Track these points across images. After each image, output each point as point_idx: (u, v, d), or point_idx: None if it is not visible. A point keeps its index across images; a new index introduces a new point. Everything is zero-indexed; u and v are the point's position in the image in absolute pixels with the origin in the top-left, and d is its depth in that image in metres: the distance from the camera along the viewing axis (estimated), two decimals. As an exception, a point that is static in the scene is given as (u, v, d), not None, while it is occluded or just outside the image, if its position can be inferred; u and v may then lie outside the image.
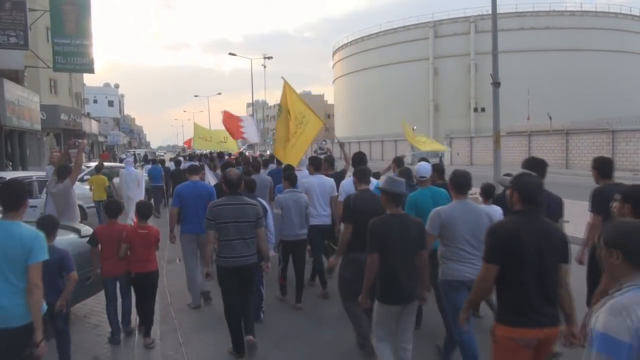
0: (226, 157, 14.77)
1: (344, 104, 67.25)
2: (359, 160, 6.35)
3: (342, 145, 9.75)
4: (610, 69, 46.53)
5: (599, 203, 4.27)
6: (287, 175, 6.30)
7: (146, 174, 11.82)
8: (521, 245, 2.85)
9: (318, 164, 6.77)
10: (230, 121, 15.33)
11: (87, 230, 6.11)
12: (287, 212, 5.78)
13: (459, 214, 3.87)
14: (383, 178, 5.03)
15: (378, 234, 3.72)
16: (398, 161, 7.14)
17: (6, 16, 13.86)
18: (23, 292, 3.02)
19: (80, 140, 6.44)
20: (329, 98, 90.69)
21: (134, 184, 9.93)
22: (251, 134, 15.24)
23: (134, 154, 36.59)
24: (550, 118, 31.66)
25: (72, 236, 5.81)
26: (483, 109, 38.77)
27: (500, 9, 13.92)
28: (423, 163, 5.40)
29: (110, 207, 5.27)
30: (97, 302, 6.24)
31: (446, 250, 3.93)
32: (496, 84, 12.62)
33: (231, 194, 4.66)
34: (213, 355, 4.84)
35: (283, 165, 8.07)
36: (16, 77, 16.87)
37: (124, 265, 4.99)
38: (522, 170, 3.79)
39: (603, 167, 4.71)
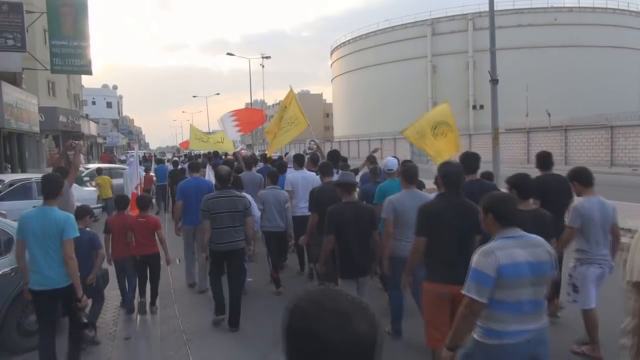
0: (223, 157, 15.29)
1: (343, 102, 67.22)
2: (334, 157, 7.49)
3: (318, 146, 10.17)
4: (609, 65, 46.51)
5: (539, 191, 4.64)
6: (269, 173, 7.11)
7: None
8: (442, 221, 3.61)
9: (301, 161, 7.67)
10: (248, 119, 16.45)
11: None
12: (268, 206, 6.45)
13: (408, 200, 4.44)
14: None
15: (334, 219, 4.38)
16: (371, 159, 8.07)
17: (3, 18, 13.85)
18: (61, 262, 3.99)
19: (77, 142, 6.49)
20: (328, 97, 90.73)
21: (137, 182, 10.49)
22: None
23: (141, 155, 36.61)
24: (549, 114, 31.65)
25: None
26: (482, 106, 38.84)
27: (497, 6, 13.92)
28: (390, 158, 6.24)
29: (120, 200, 6.31)
30: (97, 304, 6.25)
31: (397, 231, 4.47)
32: (494, 81, 12.62)
33: (222, 188, 5.37)
34: (215, 355, 4.84)
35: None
36: (14, 79, 16.86)
37: (130, 250, 5.84)
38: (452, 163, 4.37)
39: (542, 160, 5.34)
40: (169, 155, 32.99)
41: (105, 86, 68.46)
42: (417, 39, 52.86)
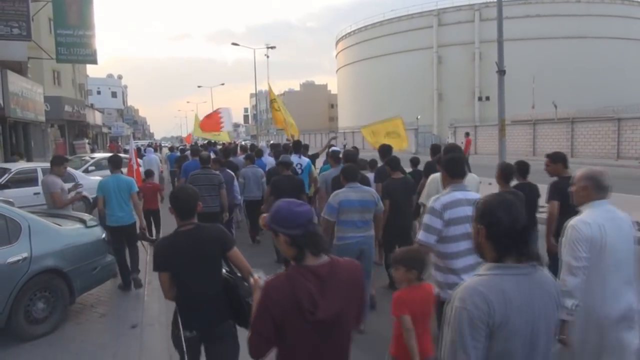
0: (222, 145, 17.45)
1: (348, 93, 66.96)
2: (298, 147, 9.08)
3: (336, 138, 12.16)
4: (616, 57, 46.03)
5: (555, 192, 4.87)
6: (247, 156, 9.39)
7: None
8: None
9: (278, 150, 10.30)
10: (209, 123, 19.51)
11: (92, 220, 6.15)
12: (248, 181, 8.42)
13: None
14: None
15: (276, 186, 6.66)
16: (330, 145, 9.95)
17: (9, 7, 13.81)
18: (129, 208, 6.48)
19: (79, 191, 6.89)
20: (333, 88, 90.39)
21: (155, 166, 13.45)
22: (227, 122, 19.36)
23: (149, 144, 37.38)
24: (556, 106, 31.42)
25: (78, 226, 5.85)
26: (487, 98, 38.43)
27: (505, -4, 13.77)
28: (334, 148, 8.61)
29: (146, 173, 9.84)
30: (103, 292, 6.31)
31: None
32: (501, 72, 12.52)
33: (203, 167, 7.48)
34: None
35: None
36: (19, 68, 16.86)
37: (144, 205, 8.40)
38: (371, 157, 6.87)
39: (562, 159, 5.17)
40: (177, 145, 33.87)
41: (110, 76, 68.40)
42: (423, 30, 52.44)
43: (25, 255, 4.88)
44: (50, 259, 5.13)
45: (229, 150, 11.37)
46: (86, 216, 6.40)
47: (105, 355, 4.59)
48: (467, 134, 23.85)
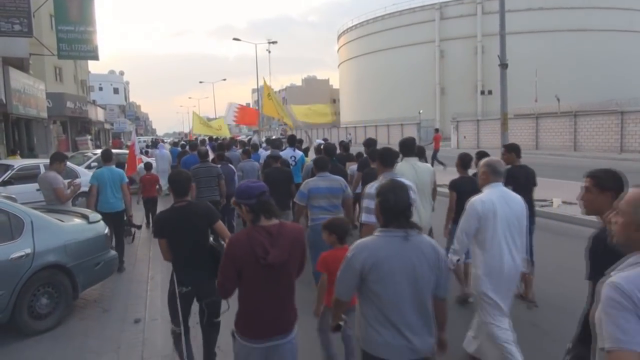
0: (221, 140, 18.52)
1: (350, 88, 66.86)
2: (293, 141, 9.65)
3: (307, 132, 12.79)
4: (620, 49, 45.80)
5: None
6: (244, 151, 9.91)
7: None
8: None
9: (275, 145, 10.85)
10: (245, 117, 21.86)
11: (95, 216, 6.16)
12: (246, 174, 8.42)
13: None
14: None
15: (268, 178, 6.86)
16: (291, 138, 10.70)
17: (10, 4, 13.80)
18: (120, 196, 7.21)
19: (76, 183, 7.15)
20: (334, 82, 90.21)
21: (165, 161, 14.08)
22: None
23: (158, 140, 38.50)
24: (558, 100, 31.31)
25: (81, 222, 5.86)
26: (490, 92, 38.47)
27: (507, -11, 13.63)
28: (319, 140, 10.25)
29: (146, 166, 10.76)
30: (106, 288, 6.33)
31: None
32: (503, 66, 12.48)
33: (202, 161, 8.09)
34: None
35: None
36: (21, 65, 16.87)
37: (143, 193, 9.95)
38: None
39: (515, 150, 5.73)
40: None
41: (111, 72, 68.42)
42: (425, 24, 52.27)
43: (28, 251, 4.90)
44: (53, 254, 5.15)
45: (223, 145, 11.88)
46: (88, 212, 6.40)
47: (108, 350, 4.61)
48: (437, 130, 25.61)
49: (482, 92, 46.75)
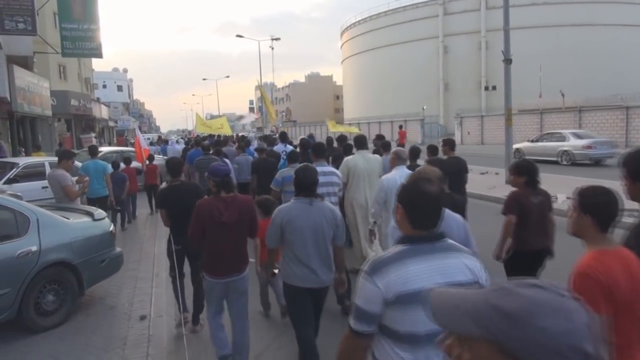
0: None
1: (353, 84, 66.68)
2: (284, 137, 10.95)
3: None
4: (625, 44, 45.42)
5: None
6: (238, 146, 11.29)
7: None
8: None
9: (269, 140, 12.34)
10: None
11: (100, 213, 6.19)
12: (241, 166, 9.55)
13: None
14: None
15: (255, 166, 8.41)
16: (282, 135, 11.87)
17: (14, 2, 13.84)
18: (103, 184, 8.71)
19: (86, 179, 7.72)
20: (338, 79, 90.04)
21: (176, 154, 14.33)
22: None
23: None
24: (563, 95, 31.13)
25: (86, 219, 5.89)
26: (494, 87, 38.05)
27: (511, -16, 13.56)
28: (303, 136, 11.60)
29: (149, 158, 11.99)
30: (112, 285, 6.36)
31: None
32: (508, 61, 12.42)
33: (205, 154, 9.56)
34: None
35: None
36: (25, 63, 16.91)
37: (147, 181, 11.67)
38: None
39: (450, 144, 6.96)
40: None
41: (115, 70, 68.45)
42: (429, 19, 51.99)
43: (34, 248, 4.93)
44: (59, 251, 5.18)
45: (219, 142, 13.13)
46: (94, 209, 6.43)
47: (114, 347, 4.64)
48: (400, 127, 30.26)
49: (486, 88, 46.38)
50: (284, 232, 3.46)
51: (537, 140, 21.02)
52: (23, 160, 10.86)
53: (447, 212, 2.74)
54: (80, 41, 18.56)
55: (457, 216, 3.15)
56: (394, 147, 7.58)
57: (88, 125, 33.50)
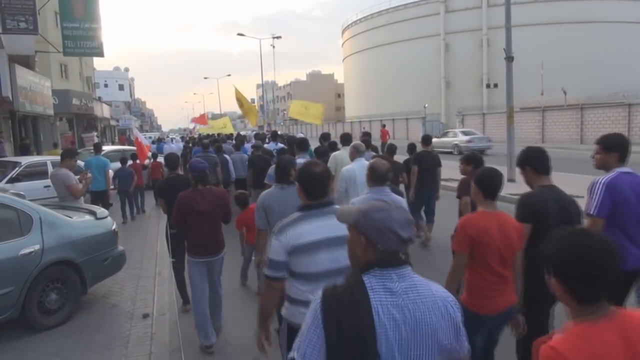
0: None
1: (354, 83, 66.64)
2: (275, 136, 12.16)
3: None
4: (627, 41, 45.27)
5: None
6: (235, 144, 12.29)
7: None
8: None
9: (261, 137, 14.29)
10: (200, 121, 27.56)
11: (102, 212, 6.20)
12: (236, 164, 10.06)
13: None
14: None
15: (251, 162, 9.06)
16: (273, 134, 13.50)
17: (15, 1, 13.83)
18: (103, 179, 9.49)
19: (89, 176, 7.63)
20: (339, 77, 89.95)
21: (178, 152, 14.39)
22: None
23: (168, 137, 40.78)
24: (565, 93, 31.08)
25: (89, 218, 5.91)
26: (496, 85, 38.04)
27: (513, -19, 13.52)
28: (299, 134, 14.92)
29: (153, 155, 13.26)
30: (114, 283, 6.38)
31: None
32: (509, 59, 12.40)
33: (204, 151, 10.03)
34: (233, 329, 4.92)
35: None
36: (27, 62, 16.93)
37: (151, 176, 12.70)
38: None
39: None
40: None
41: (116, 68, 68.48)
42: (430, 17, 51.91)
43: (37, 247, 4.94)
44: (62, 250, 5.19)
45: (215, 140, 13.92)
46: (96, 208, 6.45)
47: (117, 345, 4.65)
48: (384, 125, 32.77)
49: (488, 86, 46.37)
50: (266, 212, 3.81)
51: (441, 137, 27.15)
52: (25, 160, 10.88)
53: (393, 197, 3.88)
54: (81, 40, 18.55)
55: (398, 197, 4.17)
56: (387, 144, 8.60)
57: (90, 124, 33.54)
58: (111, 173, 10.27)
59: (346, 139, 7.48)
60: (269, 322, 2.76)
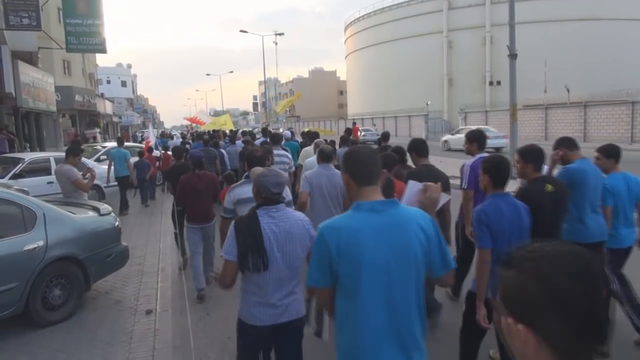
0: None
1: (357, 79, 66.51)
2: (266, 134, 12.58)
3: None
4: (631, 39, 45.04)
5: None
6: (230, 138, 13.71)
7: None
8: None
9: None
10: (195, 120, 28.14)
11: (106, 208, 6.22)
12: (231, 156, 11.31)
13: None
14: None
15: (243, 156, 8.53)
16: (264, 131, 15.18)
17: (18, -2, 13.83)
18: (125, 166, 11.62)
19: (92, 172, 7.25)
20: (342, 74, 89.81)
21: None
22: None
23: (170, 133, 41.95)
24: (568, 90, 30.97)
25: (92, 214, 5.92)
26: (499, 82, 38.02)
27: (517, -22, 13.43)
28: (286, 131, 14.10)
29: (164, 147, 15.46)
30: (118, 279, 6.40)
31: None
32: (513, 56, 12.36)
33: (204, 146, 11.41)
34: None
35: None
36: (30, 58, 16.94)
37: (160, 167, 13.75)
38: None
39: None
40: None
41: (119, 65, 68.61)
42: (433, 14, 51.69)
43: (41, 243, 4.96)
44: (66, 246, 5.21)
45: (213, 136, 14.93)
46: (100, 204, 6.46)
47: (120, 341, 4.67)
48: (354, 123, 34.17)
49: (491, 83, 46.27)
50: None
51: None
52: (29, 156, 10.91)
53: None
54: (84, 36, 18.54)
55: (335, 171, 5.09)
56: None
57: (92, 120, 33.59)
58: (132, 161, 12.01)
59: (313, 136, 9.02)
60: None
